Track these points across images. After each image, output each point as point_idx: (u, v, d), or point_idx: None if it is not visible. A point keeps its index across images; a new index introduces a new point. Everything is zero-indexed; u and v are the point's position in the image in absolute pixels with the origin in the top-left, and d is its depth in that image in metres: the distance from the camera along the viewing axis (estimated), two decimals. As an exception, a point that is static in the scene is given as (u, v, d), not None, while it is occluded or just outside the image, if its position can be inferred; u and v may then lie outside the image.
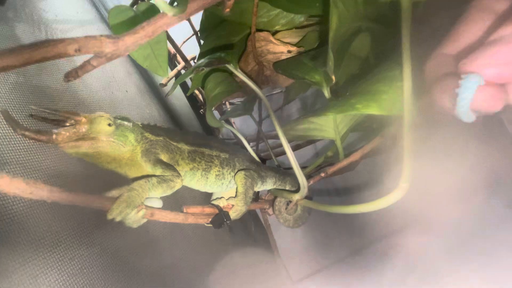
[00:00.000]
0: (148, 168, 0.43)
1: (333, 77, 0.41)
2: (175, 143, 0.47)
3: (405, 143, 0.28)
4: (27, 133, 0.33)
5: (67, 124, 0.36)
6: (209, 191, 0.54)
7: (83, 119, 0.37)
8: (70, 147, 0.36)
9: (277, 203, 0.63)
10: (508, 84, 0.22)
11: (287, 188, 0.65)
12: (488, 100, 0.21)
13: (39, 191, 0.28)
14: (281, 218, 0.63)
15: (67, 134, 0.36)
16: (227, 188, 0.55)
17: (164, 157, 0.45)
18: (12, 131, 0.36)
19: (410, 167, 0.29)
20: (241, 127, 1.19)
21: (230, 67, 0.52)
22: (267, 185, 0.62)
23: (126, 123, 0.42)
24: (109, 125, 0.39)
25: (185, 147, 0.48)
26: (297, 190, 0.55)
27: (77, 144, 0.37)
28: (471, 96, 0.21)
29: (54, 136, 0.35)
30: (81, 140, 0.37)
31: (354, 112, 0.35)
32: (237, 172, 0.55)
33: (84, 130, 0.37)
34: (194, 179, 0.49)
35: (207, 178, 0.51)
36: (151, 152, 0.44)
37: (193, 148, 0.49)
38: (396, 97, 0.35)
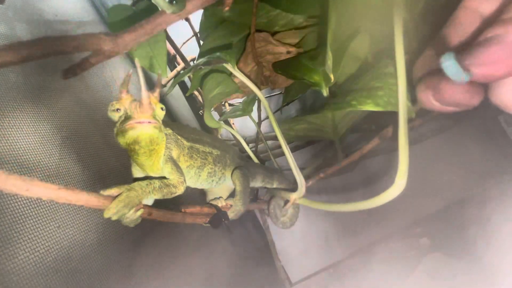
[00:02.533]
0: (160, 162, 0.42)
1: (332, 77, 0.41)
2: (180, 138, 0.46)
3: (401, 140, 0.28)
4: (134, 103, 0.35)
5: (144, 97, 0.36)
6: (199, 187, 0.53)
7: (155, 97, 0.37)
8: (154, 125, 0.36)
9: (271, 209, 0.61)
10: (494, 82, 0.23)
11: (275, 185, 0.65)
12: (467, 94, 0.23)
13: (35, 188, 0.28)
14: (278, 223, 0.62)
15: (147, 108, 0.36)
16: (216, 185, 0.54)
17: (174, 152, 0.44)
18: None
19: (406, 164, 0.29)
20: (240, 128, 1.19)
21: (229, 67, 0.52)
22: (256, 182, 0.61)
23: None
24: (162, 109, 0.39)
25: (185, 143, 0.47)
26: (294, 189, 0.55)
27: (157, 120, 0.37)
28: (452, 72, 0.22)
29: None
30: (155, 118, 0.37)
31: (350, 108, 0.35)
32: (233, 171, 0.54)
33: (153, 106, 0.37)
34: (187, 177, 0.47)
35: (200, 175, 0.49)
36: (167, 147, 0.43)
37: (190, 144, 0.47)
38: (392, 94, 0.35)
